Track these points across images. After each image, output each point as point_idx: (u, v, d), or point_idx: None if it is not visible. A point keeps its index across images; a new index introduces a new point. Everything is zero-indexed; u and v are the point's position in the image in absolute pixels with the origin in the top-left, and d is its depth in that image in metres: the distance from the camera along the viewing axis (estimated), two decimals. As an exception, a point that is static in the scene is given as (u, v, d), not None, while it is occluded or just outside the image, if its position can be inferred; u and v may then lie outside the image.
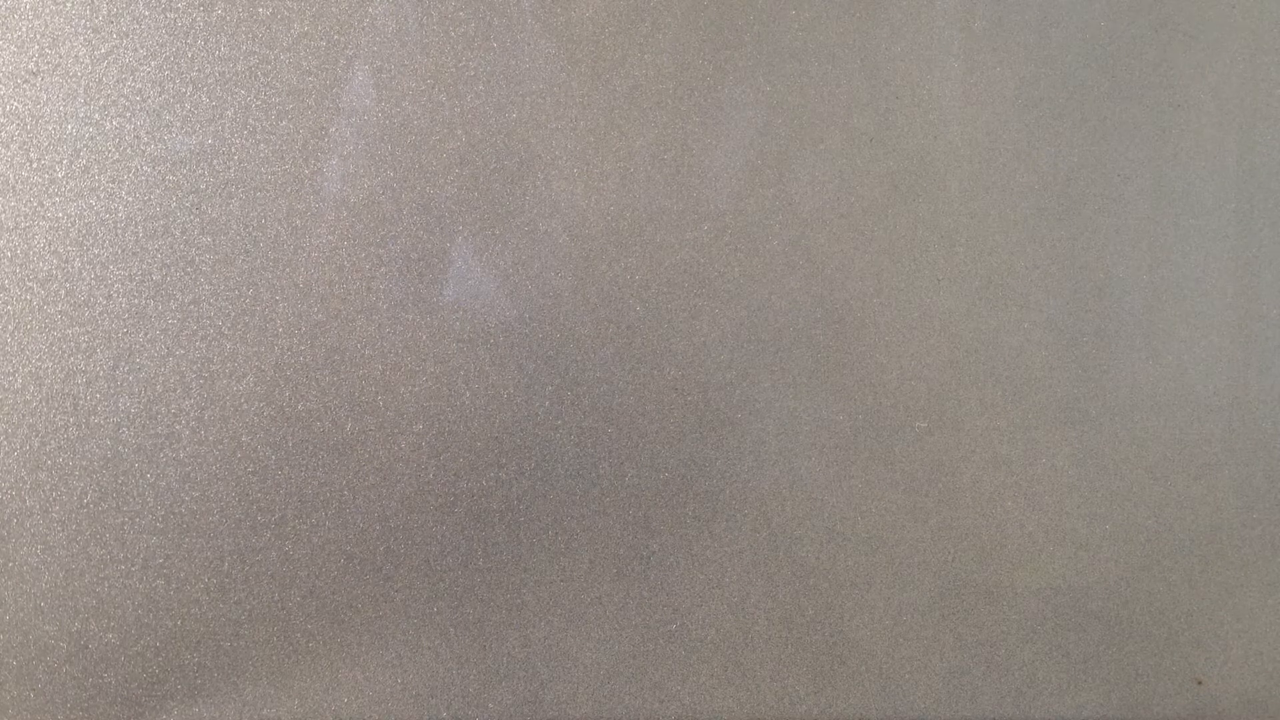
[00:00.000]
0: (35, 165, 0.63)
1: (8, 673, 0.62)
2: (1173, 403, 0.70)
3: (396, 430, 0.64)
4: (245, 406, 0.63)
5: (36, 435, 0.63)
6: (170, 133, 0.64)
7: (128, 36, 0.64)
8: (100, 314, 0.63)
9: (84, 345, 0.63)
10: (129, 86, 0.63)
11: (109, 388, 0.63)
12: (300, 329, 0.64)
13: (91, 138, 0.63)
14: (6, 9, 0.63)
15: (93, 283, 0.63)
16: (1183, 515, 0.70)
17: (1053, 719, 0.69)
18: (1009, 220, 0.68)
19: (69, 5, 0.63)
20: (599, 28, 0.66)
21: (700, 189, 0.66)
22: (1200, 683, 0.70)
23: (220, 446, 0.63)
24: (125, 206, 0.63)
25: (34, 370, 0.63)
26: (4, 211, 0.63)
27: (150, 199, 0.63)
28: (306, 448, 0.64)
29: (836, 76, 0.67)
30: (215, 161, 0.64)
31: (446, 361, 0.65)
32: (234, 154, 0.64)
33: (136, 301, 0.63)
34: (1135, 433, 0.69)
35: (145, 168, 0.63)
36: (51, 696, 0.63)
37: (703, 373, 0.66)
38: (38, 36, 0.63)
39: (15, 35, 0.63)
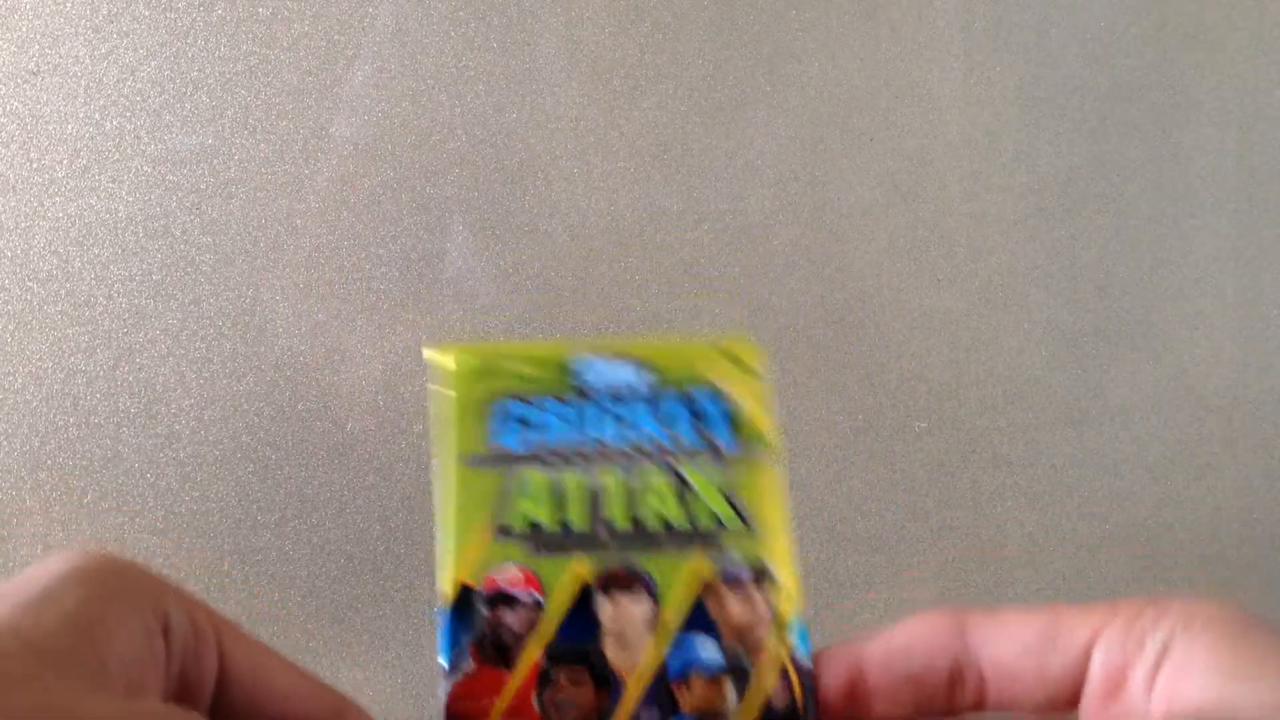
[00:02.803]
0: (35, 165, 0.63)
1: (8, 673, 0.62)
2: (1173, 403, 0.70)
3: (396, 430, 0.64)
4: (245, 406, 0.63)
5: (36, 435, 0.63)
6: (170, 133, 0.64)
7: (128, 36, 0.64)
8: (100, 314, 0.63)
9: (84, 345, 0.63)
10: (129, 86, 0.63)
11: (109, 388, 0.63)
12: (300, 329, 0.64)
13: (91, 138, 0.63)
14: (6, 9, 0.63)
15: (93, 283, 0.63)
16: (1183, 515, 0.70)
17: (1053, 719, 0.69)
18: (1009, 220, 0.68)
19: (69, 5, 0.63)
20: (599, 28, 0.66)
21: (700, 189, 0.66)
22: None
23: (220, 446, 0.63)
24: (125, 206, 0.63)
25: (34, 370, 0.63)
26: (4, 211, 0.63)
27: (150, 199, 0.63)
28: (306, 448, 0.64)
29: (836, 76, 0.67)
30: (215, 161, 0.64)
31: (446, 361, 0.65)
32: (234, 154, 0.64)
33: (136, 301, 0.63)
34: (1135, 433, 0.69)
35: (145, 168, 0.63)
36: (51, 696, 0.63)
37: (703, 373, 0.66)
38: (38, 36, 0.63)
39: (15, 35, 0.63)
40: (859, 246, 0.67)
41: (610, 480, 0.35)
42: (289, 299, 0.64)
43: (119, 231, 0.63)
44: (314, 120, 0.64)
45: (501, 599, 0.33)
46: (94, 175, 0.63)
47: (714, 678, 0.32)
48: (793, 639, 0.33)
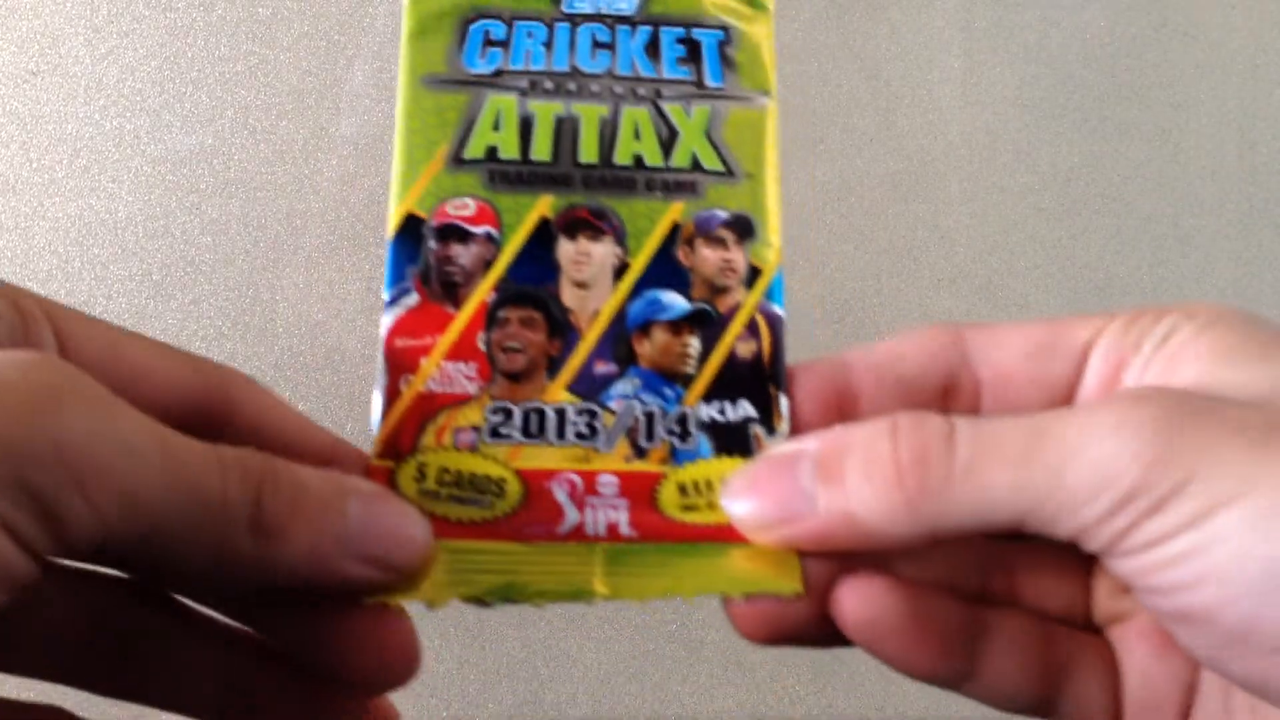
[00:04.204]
0: (35, 165, 0.63)
1: (8, 673, 0.62)
2: (1173, 403, 0.69)
3: (396, 430, 0.64)
4: (245, 406, 0.63)
5: (36, 435, 0.62)
6: (170, 133, 0.64)
7: (128, 36, 0.64)
8: (100, 314, 0.63)
9: (84, 345, 0.63)
10: (129, 86, 0.63)
11: (109, 388, 0.63)
12: (300, 329, 0.64)
13: (91, 138, 0.63)
14: (6, 9, 0.63)
15: (93, 283, 0.63)
16: (1183, 515, 0.70)
17: (1053, 719, 0.69)
18: (1009, 220, 0.68)
19: (69, 5, 0.63)
20: (599, 28, 0.66)
21: (700, 189, 0.66)
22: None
23: (220, 446, 0.63)
24: (125, 206, 0.63)
25: (34, 370, 0.63)
26: (4, 211, 0.63)
27: (150, 199, 0.63)
28: (306, 448, 0.64)
29: (836, 76, 0.67)
30: (215, 161, 0.64)
31: (446, 361, 0.65)
32: (234, 154, 0.64)
33: (136, 301, 0.63)
34: (1135, 433, 0.69)
35: (145, 168, 0.63)
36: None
37: (703, 373, 0.66)
38: (38, 36, 0.63)
39: (15, 35, 0.63)
40: (859, 246, 0.67)
41: (584, 113, 0.31)
42: (289, 299, 0.64)
43: (119, 231, 0.63)
44: (314, 120, 0.64)
45: (452, 232, 0.30)
46: (94, 175, 0.63)
47: (677, 327, 0.30)
48: (767, 290, 0.31)
